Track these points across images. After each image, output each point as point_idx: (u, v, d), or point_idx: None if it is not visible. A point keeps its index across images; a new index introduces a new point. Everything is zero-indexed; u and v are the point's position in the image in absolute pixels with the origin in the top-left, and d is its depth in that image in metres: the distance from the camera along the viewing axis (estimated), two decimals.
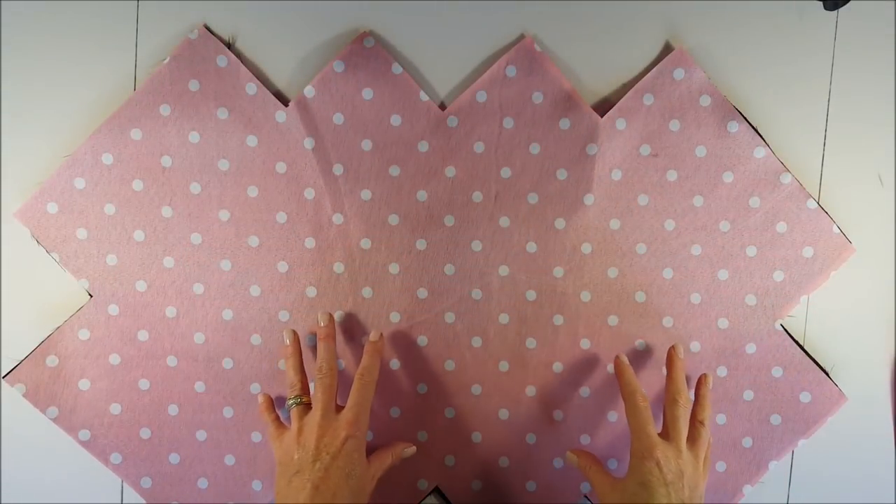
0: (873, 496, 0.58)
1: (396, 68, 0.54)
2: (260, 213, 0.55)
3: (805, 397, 0.56)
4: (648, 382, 0.56)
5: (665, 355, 0.56)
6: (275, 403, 0.55)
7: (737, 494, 0.57)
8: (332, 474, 0.47)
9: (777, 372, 0.56)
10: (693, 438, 0.51)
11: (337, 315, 0.56)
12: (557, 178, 0.55)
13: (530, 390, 0.57)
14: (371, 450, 0.52)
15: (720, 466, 0.57)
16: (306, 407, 0.51)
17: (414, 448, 0.55)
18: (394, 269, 0.56)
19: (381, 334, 0.55)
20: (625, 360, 0.53)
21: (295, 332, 0.55)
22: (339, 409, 0.51)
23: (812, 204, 0.55)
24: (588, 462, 0.53)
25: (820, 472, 0.58)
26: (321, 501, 0.46)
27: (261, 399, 0.55)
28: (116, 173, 0.54)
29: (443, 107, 0.55)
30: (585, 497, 0.57)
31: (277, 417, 0.54)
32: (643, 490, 0.47)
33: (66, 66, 0.54)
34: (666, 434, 0.50)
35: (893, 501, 0.58)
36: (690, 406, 0.52)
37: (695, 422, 0.52)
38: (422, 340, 0.56)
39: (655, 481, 0.47)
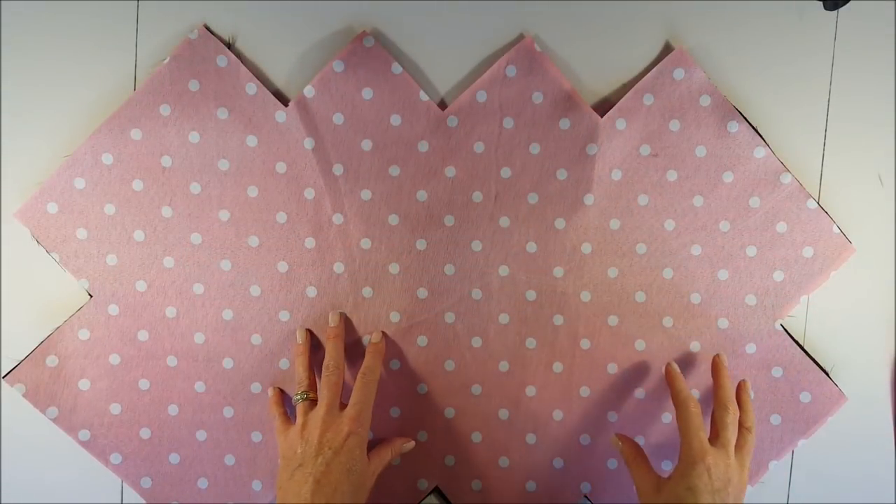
0: (873, 496, 0.58)
1: (396, 68, 0.54)
2: (260, 213, 0.55)
3: (805, 397, 0.56)
4: (648, 383, 0.56)
5: (664, 356, 0.56)
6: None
7: None
8: (334, 469, 0.48)
9: (777, 372, 0.56)
10: (740, 446, 0.50)
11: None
12: (557, 178, 0.55)
13: (530, 390, 0.56)
14: (370, 448, 0.52)
15: None
16: (312, 403, 0.52)
17: (413, 443, 0.55)
18: (394, 269, 0.56)
19: (383, 335, 0.56)
20: (675, 368, 0.54)
21: (308, 331, 0.55)
22: (344, 407, 0.51)
23: (812, 204, 0.55)
24: (633, 453, 0.53)
25: (820, 472, 0.58)
26: (322, 495, 0.47)
27: (271, 393, 0.56)
28: (116, 173, 0.54)
29: (443, 107, 0.55)
30: (585, 497, 0.57)
31: (285, 412, 0.54)
32: (690, 495, 0.47)
33: (66, 66, 0.54)
34: (715, 440, 0.50)
35: (893, 501, 0.58)
36: (738, 414, 0.51)
37: (742, 429, 0.51)
38: (422, 340, 0.56)
39: (703, 487, 0.47)
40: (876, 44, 0.55)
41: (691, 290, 0.56)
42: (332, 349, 0.53)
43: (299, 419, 0.51)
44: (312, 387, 0.53)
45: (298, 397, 0.53)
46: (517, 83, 0.54)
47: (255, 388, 0.56)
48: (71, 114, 0.54)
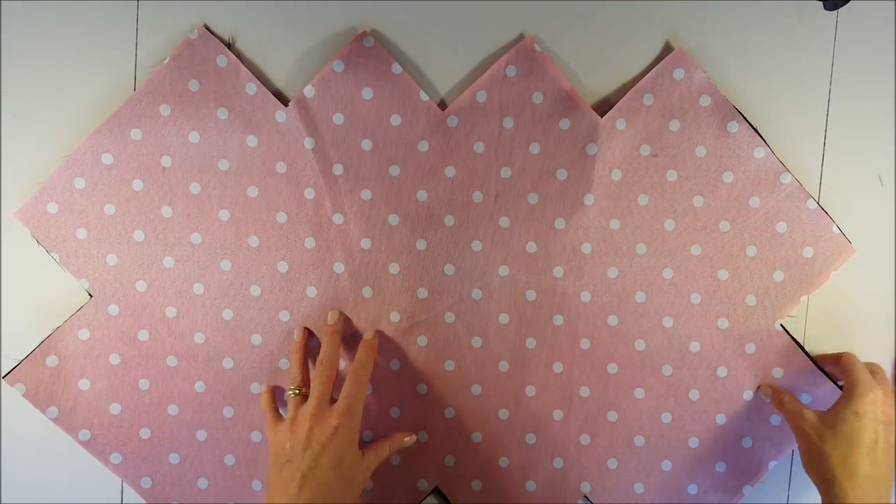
0: None
1: (396, 68, 0.54)
2: (260, 213, 0.55)
3: (805, 397, 0.56)
4: (648, 383, 0.56)
5: (664, 355, 0.56)
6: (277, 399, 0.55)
7: (737, 494, 0.57)
8: (322, 465, 0.48)
9: (777, 372, 0.56)
10: None
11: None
12: (557, 178, 0.55)
13: (530, 390, 0.56)
14: (369, 444, 0.52)
15: (720, 466, 0.57)
16: (304, 398, 0.52)
17: (414, 437, 0.55)
18: (394, 269, 0.56)
19: (377, 333, 0.56)
20: None
21: (306, 330, 0.55)
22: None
23: (812, 204, 0.55)
24: (781, 397, 0.54)
25: None
26: (309, 491, 0.46)
27: (263, 388, 0.55)
28: (116, 173, 0.54)
29: (443, 107, 0.55)
30: (585, 497, 0.57)
31: (277, 409, 0.54)
32: (857, 420, 0.48)
33: (66, 66, 0.54)
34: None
35: (893, 502, 0.58)
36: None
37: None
38: (422, 340, 0.56)
39: (871, 416, 0.49)
40: (876, 44, 0.55)
41: (691, 290, 0.56)
42: (328, 344, 0.53)
43: (289, 414, 0.51)
44: (305, 382, 0.53)
45: (291, 392, 0.52)
46: (517, 83, 0.54)
47: (255, 388, 0.56)
48: (71, 114, 0.54)
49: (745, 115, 0.54)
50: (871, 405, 0.49)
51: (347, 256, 0.55)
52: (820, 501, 0.58)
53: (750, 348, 0.56)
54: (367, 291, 0.56)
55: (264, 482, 0.57)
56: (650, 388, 0.56)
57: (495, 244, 0.55)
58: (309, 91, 0.54)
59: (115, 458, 0.56)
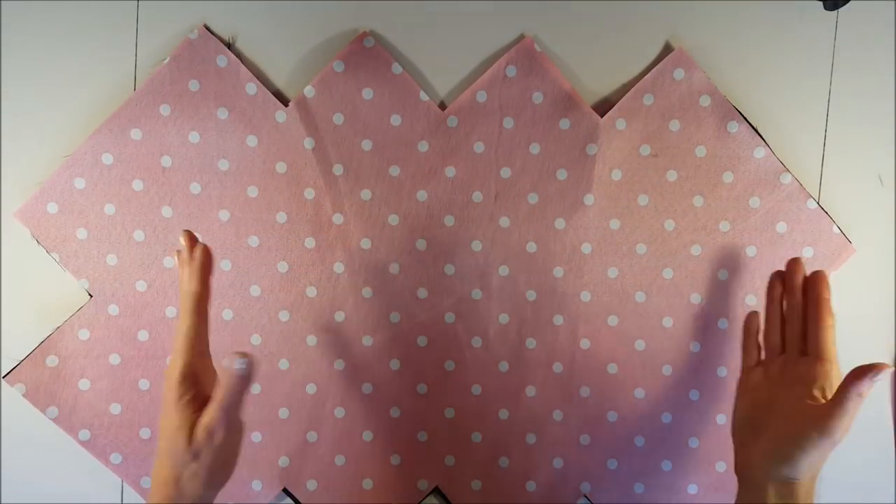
0: (873, 496, 0.58)
1: (396, 68, 0.54)
2: (260, 213, 0.55)
3: None
4: (648, 383, 0.56)
5: (664, 355, 0.56)
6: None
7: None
8: (161, 446, 0.45)
9: None
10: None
11: (337, 316, 0.56)
12: (557, 178, 0.55)
13: (530, 390, 0.57)
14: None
15: (720, 466, 0.57)
16: None
17: (243, 358, 0.42)
18: (394, 269, 0.56)
19: (196, 244, 0.45)
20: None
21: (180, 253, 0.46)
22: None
23: (812, 204, 0.55)
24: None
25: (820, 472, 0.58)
26: (163, 471, 0.44)
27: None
28: (116, 173, 0.54)
29: (443, 107, 0.55)
30: (585, 497, 0.57)
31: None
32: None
33: (66, 66, 0.54)
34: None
35: (893, 502, 0.58)
36: None
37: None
38: (422, 340, 0.56)
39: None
40: (876, 44, 0.55)
41: (691, 290, 0.56)
42: (187, 280, 0.44)
43: None
44: None
45: None
46: (517, 83, 0.54)
47: (255, 388, 0.56)
48: (71, 114, 0.54)
49: (745, 115, 0.54)
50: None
51: (347, 256, 0.55)
52: (821, 502, 0.58)
53: None
54: (367, 291, 0.56)
55: (264, 482, 0.57)
56: (650, 388, 0.56)
57: (495, 244, 0.55)
58: (309, 91, 0.54)
59: (115, 458, 0.56)
